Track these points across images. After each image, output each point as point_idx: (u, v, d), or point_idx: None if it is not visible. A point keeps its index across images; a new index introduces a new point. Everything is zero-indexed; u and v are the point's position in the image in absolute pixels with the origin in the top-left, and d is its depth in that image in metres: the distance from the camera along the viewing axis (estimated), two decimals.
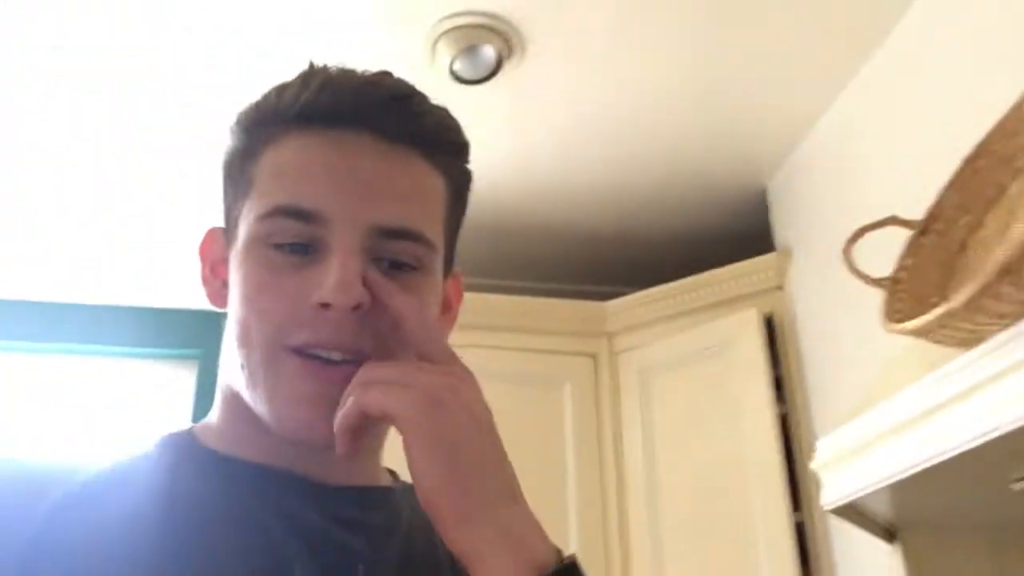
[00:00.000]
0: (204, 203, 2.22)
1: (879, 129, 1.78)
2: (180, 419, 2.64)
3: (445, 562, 0.66)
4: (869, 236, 1.37)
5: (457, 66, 1.73)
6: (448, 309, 0.73)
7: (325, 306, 0.58)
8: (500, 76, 1.78)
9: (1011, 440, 1.01)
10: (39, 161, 2.10)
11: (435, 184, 0.66)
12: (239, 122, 0.67)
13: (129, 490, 0.59)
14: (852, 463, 1.29)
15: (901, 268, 1.25)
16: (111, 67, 1.79)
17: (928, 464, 1.12)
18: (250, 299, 0.61)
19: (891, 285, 1.23)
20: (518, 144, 2.01)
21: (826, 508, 1.34)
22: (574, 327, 2.25)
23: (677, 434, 2.05)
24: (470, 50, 1.70)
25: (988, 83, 1.46)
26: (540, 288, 2.45)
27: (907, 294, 1.22)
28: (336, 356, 0.59)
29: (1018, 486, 1.23)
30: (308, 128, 0.63)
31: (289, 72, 0.65)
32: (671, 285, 2.18)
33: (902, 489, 1.24)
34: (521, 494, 0.58)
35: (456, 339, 2.45)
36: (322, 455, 0.62)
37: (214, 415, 0.68)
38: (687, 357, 2.07)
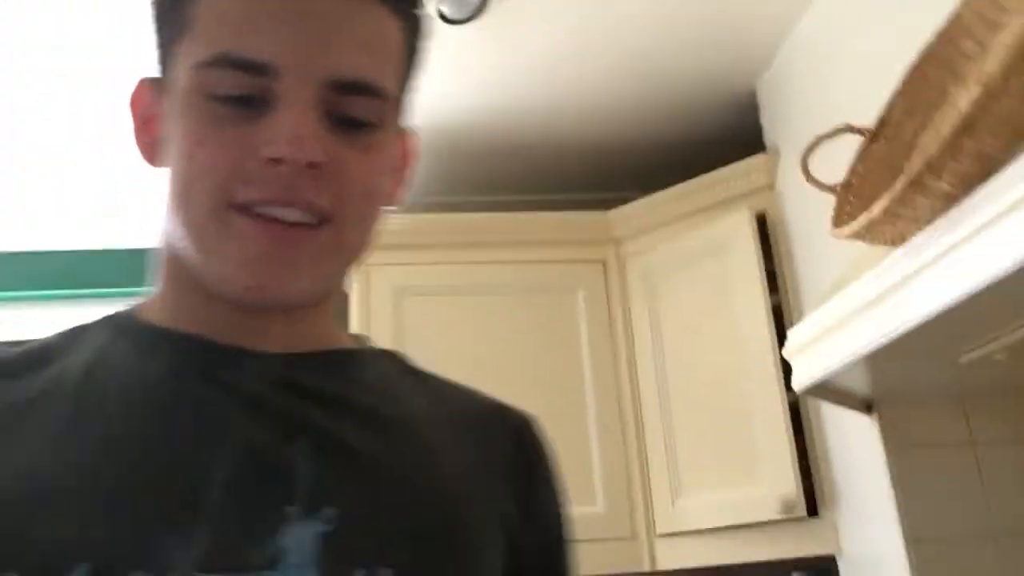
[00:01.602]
0: None
1: (854, 27, 1.86)
2: None
3: (430, 423, 0.64)
4: (847, 137, 1.48)
5: (444, 8, 1.85)
6: (402, 167, 0.68)
7: (276, 161, 0.54)
8: (487, 14, 1.89)
9: (956, 316, 1.15)
10: (39, 161, 2.15)
11: (392, 30, 0.61)
12: None
13: (59, 361, 0.58)
14: (818, 347, 1.44)
15: (852, 174, 1.38)
16: (111, 67, 1.83)
17: (884, 341, 1.25)
18: (190, 154, 0.56)
19: (842, 191, 1.36)
20: (508, 73, 2.11)
21: (797, 390, 1.51)
22: (583, 236, 2.40)
23: (683, 329, 2.22)
24: None
25: None
26: (545, 200, 2.60)
27: (857, 199, 1.35)
28: (291, 216, 0.56)
29: (965, 358, 1.39)
30: None
31: None
32: (670, 191, 2.31)
33: (866, 365, 1.39)
34: None
35: (474, 256, 2.68)
36: (265, 321, 0.60)
37: (154, 288, 0.65)
38: (688, 258, 2.23)
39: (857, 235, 1.18)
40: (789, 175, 2.11)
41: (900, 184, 1.06)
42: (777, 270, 2.11)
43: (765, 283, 2.05)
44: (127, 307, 0.65)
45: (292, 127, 0.54)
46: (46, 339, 0.60)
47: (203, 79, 0.56)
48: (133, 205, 2.42)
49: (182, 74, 0.57)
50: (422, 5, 0.65)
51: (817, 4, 1.99)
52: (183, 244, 0.58)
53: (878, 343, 1.26)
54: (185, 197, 0.57)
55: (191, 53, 0.57)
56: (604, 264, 2.40)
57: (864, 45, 1.82)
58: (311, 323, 0.64)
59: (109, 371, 0.57)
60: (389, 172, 0.64)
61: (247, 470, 0.53)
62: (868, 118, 1.47)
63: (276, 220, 0.56)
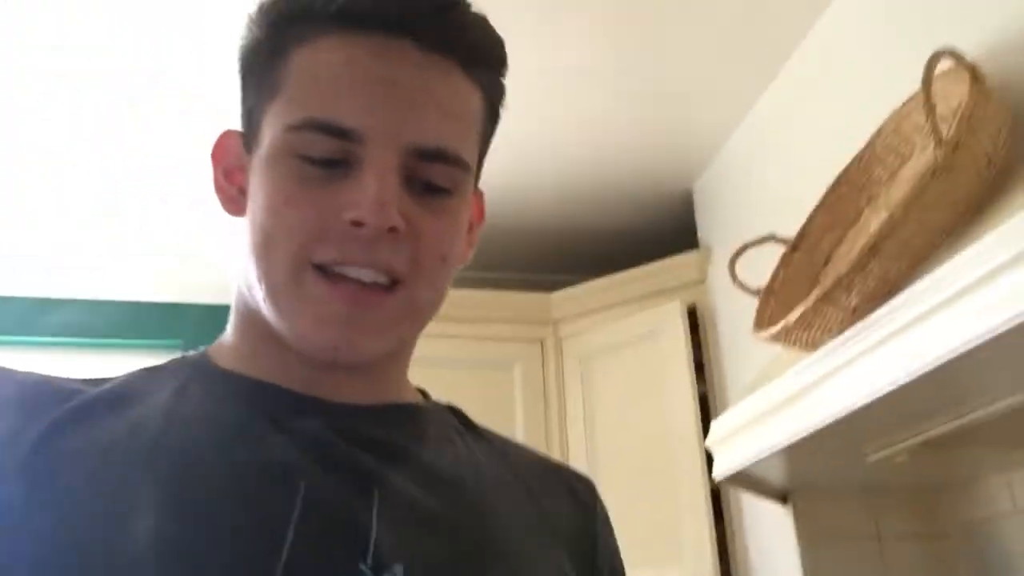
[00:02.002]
0: (195, 200, 2.41)
1: (782, 142, 2.02)
2: None
3: (490, 480, 0.65)
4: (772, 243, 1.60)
5: None
6: (471, 228, 0.70)
7: (357, 224, 0.55)
8: None
9: (861, 419, 1.25)
10: (37, 160, 2.19)
11: (473, 99, 0.63)
12: (265, 13, 0.61)
13: (135, 404, 0.58)
14: (738, 440, 1.54)
15: (774, 279, 1.50)
16: (111, 67, 1.87)
17: (797, 437, 1.36)
18: (276, 210, 0.57)
19: (764, 295, 1.48)
20: None
21: (717, 479, 1.60)
22: (523, 316, 2.50)
23: (613, 411, 2.31)
24: None
25: (867, 108, 1.69)
26: (489, 278, 2.69)
27: (778, 303, 1.47)
28: (367, 276, 0.57)
29: (872, 457, 1.50)
30: (346, 31, 0.58)
31: None
32: (609, 278, 2.43)
33: (782, 458, 1.49)
34: None
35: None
36: (339, 375, 0.61)
37: (227, 333, 0.65)
38: (622, 343, 2.33)
39: (775, 338, 1.29)
40: (719, 272, 2.24)
41: (814, 296, 1.17)
42: (705, 361, 2.23)
43: (693, 373, 2.16)
44: (198, 351, 0.65)
45: (375, 193, 0.55)
46: (123, 380, 0.61)
47: (292, 140, 0.57)
48: (133, 206, 2.45)
49: (271, 133, 0.59)
50: (503, 74, 0.66)
51: (751, 119, 2.15)
52: (260, 296, 0.59)
53: (792, 439, 1.36)
54: (266, 251, 0.58)
55: (281, 114, 0.59)
56: (542, 343, 2.49)
57: (791, 159, 1.98)
58: (383, 378, 0.65)
59: (186, 420, 0.57)
60: (464, 238, 0.65)
61: (322, 525, 0.53)
62: (791, 225, 1.61)
63: (352, 281, 0.57)
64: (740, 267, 1.55)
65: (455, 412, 0.73)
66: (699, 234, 2.38)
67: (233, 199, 0.64)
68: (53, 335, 2.90)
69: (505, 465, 0.68)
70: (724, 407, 2.16)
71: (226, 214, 0.65)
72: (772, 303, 1.46)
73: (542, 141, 2.23)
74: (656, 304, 2.30)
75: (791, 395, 1.33)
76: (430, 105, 0.58)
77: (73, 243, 2.63)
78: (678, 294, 2.29)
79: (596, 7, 1.81)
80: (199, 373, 0.62)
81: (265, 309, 0.59)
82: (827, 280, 1.17)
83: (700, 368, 2.21)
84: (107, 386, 0.59)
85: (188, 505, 0.52)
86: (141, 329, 2.96)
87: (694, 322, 2.26)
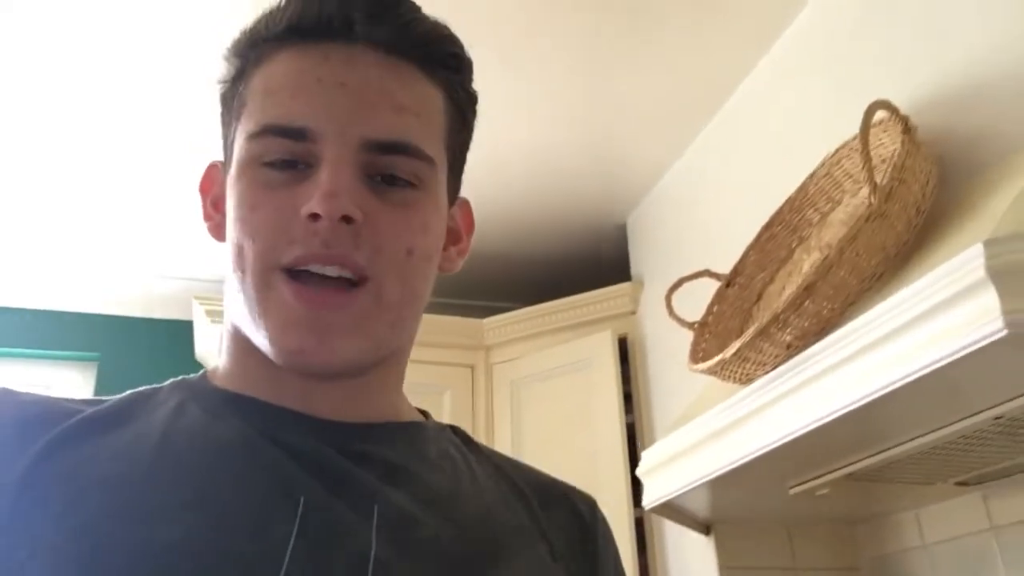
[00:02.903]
0: (112, 204, 2.35)
1: (716, 181, 2.09)
2: None
3: (490, 497, 0.65)
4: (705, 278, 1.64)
5: None
6: (458, 239, 0.71)
7: (314, 217, 0.56)
8: None
9: (787, 452, 1.30)
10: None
11: (431, 96, 0.63)
12: (232, 48, 0.64)
13: (132, 423, 0.58)
14: (667, 470, 1.57)
15: (708, 313, 1.54)
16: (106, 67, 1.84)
17: (724, 470, 1.40)
18: (243, 219, 0.58)
19: (699, 328, 1.51)
20: None
21: (646, 507, 1.63)
22: (455, 340, 2.49)
23: (541, 437, 2.32)
24: None
25: (798, 153, 1.76)
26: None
27: (712, 336, 1.51)
28: (331, 272, 0.57)
29: (793, 490, 1.54)
30: (297, 44, 0.60)
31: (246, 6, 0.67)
32: (541, 306, 2.45)
33: (708, 490, 1.52)
34: None
35: None
36: (331, 390, 0.61)
37: (222, 355, 0.65)
38: (552, 371, 2.35)
39: (711, 371, 1.33)
40: (651, 303, 2.29)
41: (751, 332, 1.21)
42: (633, 391, 2.26)
43: (622, 402, 2.19)
44: (198, 373, 0.66)
45: (327, 184, 0.56)
46: (119, 400, 0.61)
47: (253, 149, 0.59)
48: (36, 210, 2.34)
49: (237, 149, 0.61)
50: (466, 77, 0.67)
51: (688, 157, 2.22)
52: (240, 311, 0.60)
53: (719, 471, 1.40)
54: (239, 261, 0.59)
55: (244, 128, 0.61)
56: (473, 369, 2.49)
57: (722, 198, 2.04)
58: (376, 393, 0.65)
59: (182, 436, 0.57)
60: (436, 235, 0.64)
61: (321, 539, 0.53)
62: (721, 261, 1.66)
63: (315, 280, 0.57)
64: (674, 300, 1.58)
65: (456, 431, 0.72)
66: (632, 266, 2.43)
67: (219, 226, 0.65)
68: None
69: (506, 482, 0.68)
70: (651, 437, 2.20)
71: (215, 240, 0.66)
72: (707, 336, 1.49)
73: (480, 164, 2.24)
74: (588, 333, 2.33)
75: (722, 427, 1.37)
76: (383, 101, 0.60)
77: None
78: (610, 324, 2.32)
79: (548, 37, 1.85)
80: (197, 392, 0.62)
81: (244, 323, 0.60)
82: (764, 316, 1.21)
83: (628, 398, 2.24)
84: (105, 405, 0.59)
85: (186, 518, 0.52)
86: (58, 340, 2.86)
87: (624, 352, 2.29)
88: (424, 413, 0.72)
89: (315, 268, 0.57)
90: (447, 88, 0.65)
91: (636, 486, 2.15)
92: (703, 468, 1.43)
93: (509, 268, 2.72)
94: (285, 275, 0.57)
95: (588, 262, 2.63)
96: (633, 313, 2.35)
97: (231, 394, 0.62)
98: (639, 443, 2.21)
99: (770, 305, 1.51)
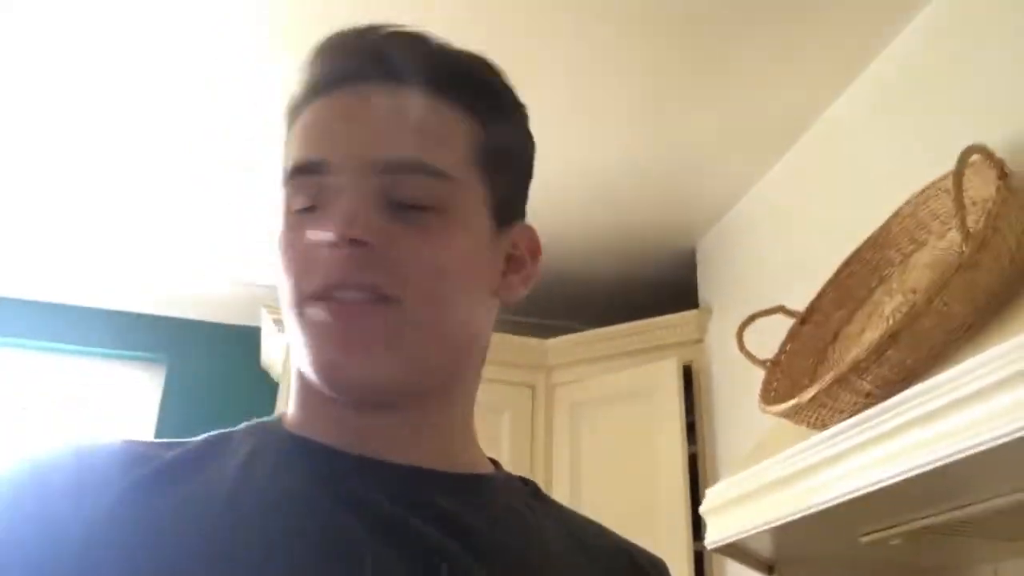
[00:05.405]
0: (187, 209, 2.39)
1: (791, 211, 2.04)
2: (143, 421, 2.82)
3: (558, 557, 0.64)
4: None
5: None
6: (520, 266, 0.69)
7: (332, 245, 0.57)
8: None
9: (861, 504, 1.25)
10: (21, 162, 2.19)
11: (451, 118, 0.63)
12: (283, 117, 0.67)
13: (203, 473, 0.58)
14: (733, 510, 1.53)
15: (781, 352, 1.50)
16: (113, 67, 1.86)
17: (793, 517, 1.36)
18: (280, 260, 0.61)
19: (771, 367, 1.47)
20: None
21: (709, 547, 1.59)
22: (517, 360, 2.48)
23: (600, 463, 2.29)
24: None
25: (878, 190, 1.71)
26: None
27: (784, 376, 1.47)
28: (350, 295, 0.57)
29: (865, 539, 1.49)
30: (320, 97, 0.63)
31: (289, 79, 0.68)
32: (606, 329, 2.42)
33: (774, 534, 1.48)
34: None
35: None
36: (391, 429, 0.61)
37: (290, 397, 0.66)
38: (614, 396, 2.32)
39: (785, 415, 1.29)
40: (717, 333, 2.24)
41: (830, 378, 1.17)
42: (696, 421, 2.22)
43: (685, 432, 2.15)
44: (273, 417, 0.66)
45: (339, 210, 0.57)
46: (195, 444, 0.61)
47: (284, 195, 0.62)
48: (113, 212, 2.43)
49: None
50: (495, 96, 0.67)
51: (762, 185, 2.17)
52: (293, 348, 0.61)
53: (787, 518, 1.35)
54: (282, 301, 0.61)
55: (280, 179, 0.64)
56: (533, 389, 2.47)
57: (796, 230, 1.99)
58: (443, 438, 0.64)
59: (254, 487, 0.57)
60: (467, 254, 0.62)
61: None
62: (791, 294, 1.61)
63: (337, 300, 0.58)
64: (738, 323, 1.55)
65: (528, 484, 0.71)
66: (699, 293, 2.38)
67: None
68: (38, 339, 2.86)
69: (574, 541, 0.67)
70: (714, 469, 2.15)
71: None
72: (778, 375, 1.45)
73: (551, 182, 2.23)
74: (652, 360, 2.29)
75: (794, 472, 1.32)
76: (395, 126, 0.61)
77: (54, 243, 2.60)
78: (675, 351, 2.28)
79: (631, 58, 1.83)
80: (270, 436, 0.63)
81: (298, 359, 0.61)
82: (843, 363, 1.17)
83: (691, 428, 2.20)
84: (180, 451, 0.60)
85: None
86: (128, 341, 2.93)
87: (688, 381, 2.25)
88: (495, 463, 0.70)
89: (338, 294, 0.57)
90: (472, 110, 0.64)
91: (696, 517, 2.11)
92: (771, 513, 1.38)
93: (571, 287, 2.69)
94: (314, 301, 0.58)
95: (655, 286, 2.59)
96: (699, 341, 2.31)
97: (300, 439, 0.61)
98: (701, 474, 2.17)
99: (848, 346, 1.46)
